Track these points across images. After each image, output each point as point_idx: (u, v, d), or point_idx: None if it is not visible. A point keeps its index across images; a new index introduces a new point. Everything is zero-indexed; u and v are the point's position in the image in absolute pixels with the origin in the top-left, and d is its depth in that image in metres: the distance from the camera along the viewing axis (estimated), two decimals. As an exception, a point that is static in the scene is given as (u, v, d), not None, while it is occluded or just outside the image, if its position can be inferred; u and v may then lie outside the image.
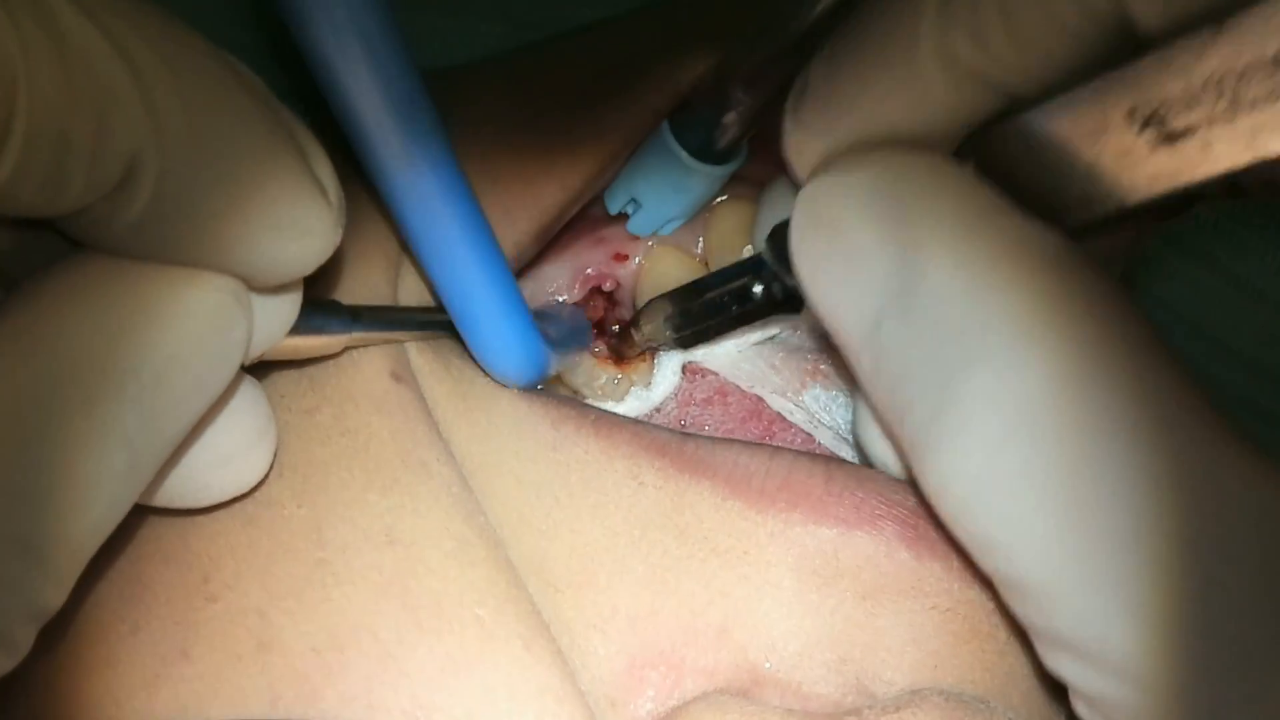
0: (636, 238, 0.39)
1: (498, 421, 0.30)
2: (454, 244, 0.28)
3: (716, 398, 0.39)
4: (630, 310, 0.39)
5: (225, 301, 0.23)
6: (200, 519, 0.27)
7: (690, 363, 0.40)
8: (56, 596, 0.21)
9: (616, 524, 0.28)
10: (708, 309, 0.34)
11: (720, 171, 0.35)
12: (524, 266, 0.36)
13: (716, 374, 0.39)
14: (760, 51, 0.31)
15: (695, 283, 0.34)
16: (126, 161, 0.20)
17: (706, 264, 0.39)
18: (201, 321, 0.22)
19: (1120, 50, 0.22)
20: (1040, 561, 0.22)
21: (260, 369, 0.29)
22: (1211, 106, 0.20)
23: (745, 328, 0.37)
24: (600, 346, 0.39)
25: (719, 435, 0.37)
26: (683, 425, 0.39)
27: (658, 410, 0.39)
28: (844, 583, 0.26)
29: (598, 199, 0.38)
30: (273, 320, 0.25)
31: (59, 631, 0.26)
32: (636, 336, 0.37)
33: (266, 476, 0.27)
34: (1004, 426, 0.22)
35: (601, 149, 0.33)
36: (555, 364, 0.32)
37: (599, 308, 0.40)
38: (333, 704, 0.24)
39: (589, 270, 0.40)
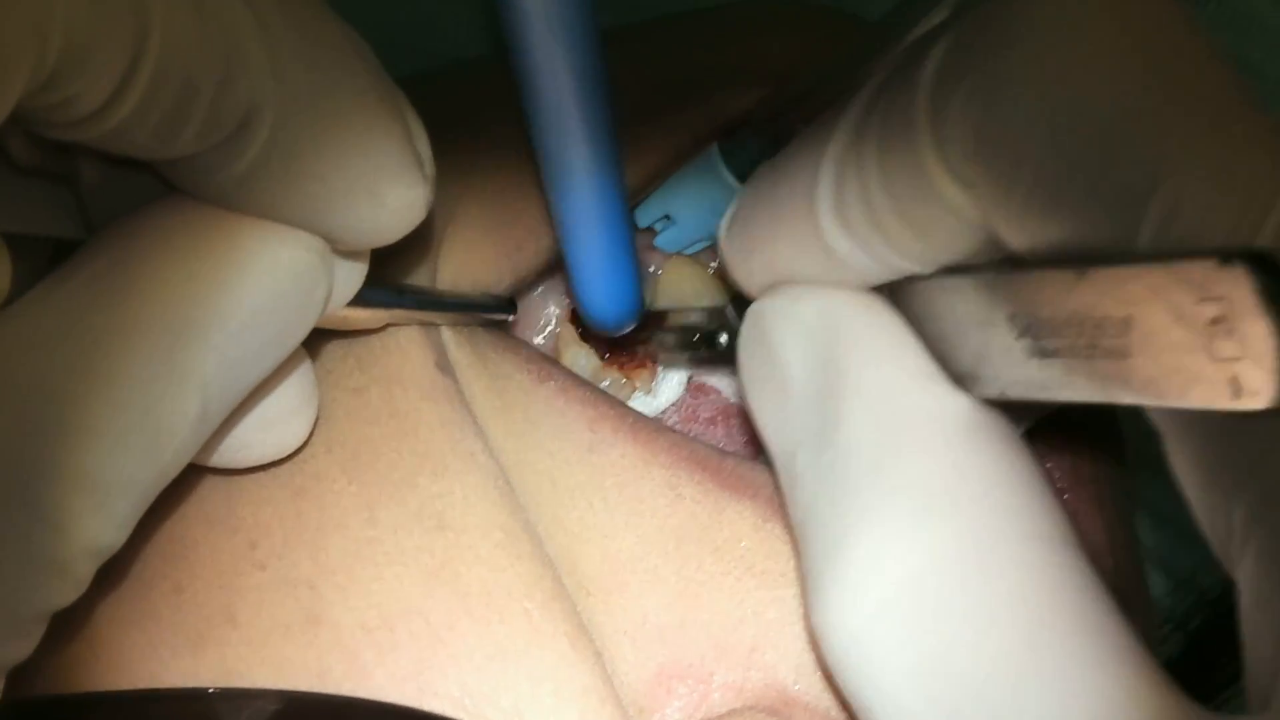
0: (655, 247, 0.39)
1: (534, 419, 0.30)
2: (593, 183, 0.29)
3: (720, 417, 0.40)
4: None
5: (313, 261, 0.23)
6: (245, 484, 0.27)
7: (695, 378, 0.41)
8: (117, 535, 0.21)
9: (651, 533, 0.28)
10: (682, 344, 0.36)
11: None
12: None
13: (720, 392, 0.40)
14: (829, 92, 0.32)
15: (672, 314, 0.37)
16: (243, 115, 0.20)
17: (722, 280, 0.40)
18: (290, 278, 0.23)
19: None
20: None
21: (305, 343, 0.29)
22: (1074, 340, 0.20)
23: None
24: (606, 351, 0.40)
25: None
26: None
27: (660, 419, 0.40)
28: None
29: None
30: (343, 285, 0.25)
31: (101, 581, 0.25)
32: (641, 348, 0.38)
33: (314, 450, 0.27)
34: (884, 594, 0.22)
35: (643, 167, 0.34)
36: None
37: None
38: (382, 683, 0.25)
39: (605, 275, 0.40)
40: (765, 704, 0.27)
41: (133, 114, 0.18)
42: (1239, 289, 0.17)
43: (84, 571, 0.21)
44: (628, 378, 0.40)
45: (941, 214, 0.22)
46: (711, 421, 0.40)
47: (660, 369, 0.40)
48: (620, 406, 0.31)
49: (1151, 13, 0.20)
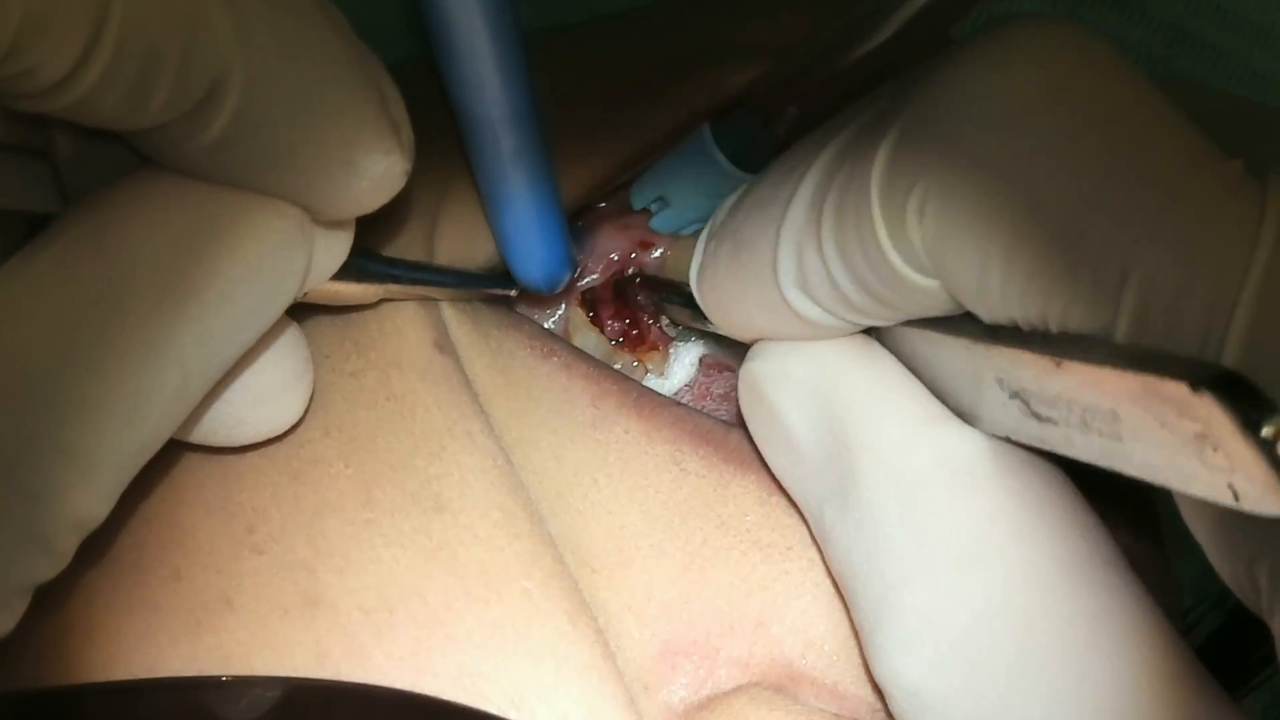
0: (652, 229, 0.39)
1: (537, 396, 0.30)
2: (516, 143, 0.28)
3: (733, 394, 0.39)
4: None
5: (290, 230, 0.23)
6: (242, 469, 0.27)
7: (707, 356, 0.40)
8: (98, 506, 0.21)
9: (655, 508, 0.28)
10: (694, 316, 0.35)
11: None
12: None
13: (733, 370, 0.40)
14: (821, 72, 0.32)
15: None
16: (210, 83, 0.20)
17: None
18: (267, 248, 0.22)
19: None
20: None
21: (302, 325, 0.29)
22: (1066, 414, 0.20)
23: None
24: (615, 329, 0.39)
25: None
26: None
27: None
28: None
29: (624, 186, 0.38)
30: (326, 256, 0.25)
31: (100, 570, 0.25)
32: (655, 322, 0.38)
33: (312, 434, 0.27)
34: (939, 650, 0.22)
35: (638, 142, 0.34)
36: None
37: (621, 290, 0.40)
38: (381, 665, 0.24)
39: (613, 255, 0.40)
40: (771, 679, 0.26)
41: (98, 83, 0.18)
42: (1214, 415, 0.17)
43: (67, 544, 0.21)
44: (639, 360, 0.40)
45: (908, 292, 0.22)
46: (725, 398, 0.39)
47: (672, 351, 0.40)
48: (624, 381, 0.30)
49: (1098, 79, 0.19)
